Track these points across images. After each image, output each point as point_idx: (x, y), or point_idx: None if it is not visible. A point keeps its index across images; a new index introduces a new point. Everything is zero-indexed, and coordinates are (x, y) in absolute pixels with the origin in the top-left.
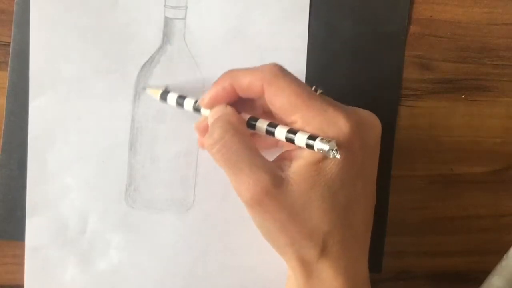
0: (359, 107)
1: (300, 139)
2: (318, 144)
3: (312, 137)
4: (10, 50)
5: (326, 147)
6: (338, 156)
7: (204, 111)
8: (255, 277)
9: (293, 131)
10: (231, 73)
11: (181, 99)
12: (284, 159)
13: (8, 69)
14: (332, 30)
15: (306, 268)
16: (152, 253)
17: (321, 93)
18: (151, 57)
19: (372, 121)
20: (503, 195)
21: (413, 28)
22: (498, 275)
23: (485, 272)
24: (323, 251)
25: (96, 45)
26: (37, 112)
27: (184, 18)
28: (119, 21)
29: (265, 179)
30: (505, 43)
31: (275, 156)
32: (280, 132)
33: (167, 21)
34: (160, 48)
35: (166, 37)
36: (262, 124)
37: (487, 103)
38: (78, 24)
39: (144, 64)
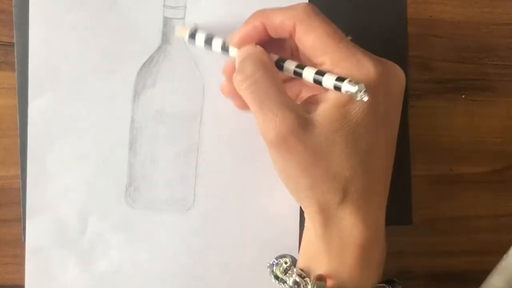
0: None
1: (328, 80)
2: (346, 86)
3: (341, 79)
4: (15, 54)
5: (354, 88)
6: (366, 98)
7: (232, 52)
8: (255, 277)
9: (321, 73)
10: (262, 12)
11: (209, 39)
12: (309, 103)
13: (16, 72)
14: None
15: (326, 215)
16: (152, 253)
17: (350, 39)
18: (150, 57)
19: (398, 72)
20: (503, 195)
21: (413, 28)
22: (498, 275)
23: (485, 272)
24: (344, 197)
25: (96, 45)
26: (37, 112)
27: (183, 18)
28: (118, 21)
29: (292, 118)
30: (505, 43)
31: None
32: (308, 73)
33: (166, 21)
34: (160, 48)
35: (165, 37)
36: (290, 65)
37: (487, 103)
38: (77, 24)
39: (144, 64)
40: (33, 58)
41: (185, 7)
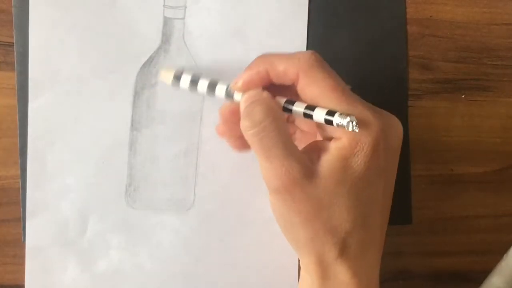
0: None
1: (319, 114)
2: (337, 119)
3: (331, 113)
4: (15, 54)
5: (344, 121)
6: (357, 129)
7: (237, 96)
8: (255, 277)
9: (311, 107)
10: (266, 58)
11: (211, 86)
12: (311, 151)
13: (16, 72)
14: (331, 29)
15: (323, 268)
16: (152, 253)
17: (350, 89)
18: (150, 57)
19: (396, 125)
20: (503, 195)
21: (413, 28)
22: (498, 275)
23: (485, 272)
24: (343, 250)
25: (95, 45)
26: (37, 112)
27: (183, 18)
28: (118, 21)
29: (297, 168)
30: (505, 43)
31: None
32: (298, 107)
33: (166, 21)
34: (159, 48)
35: (165, 37)
36: (299, 108)
37: (487, 103)
38: (77, 24)
39: (144, 64)
40: (32, 58)
41: (185, 7)
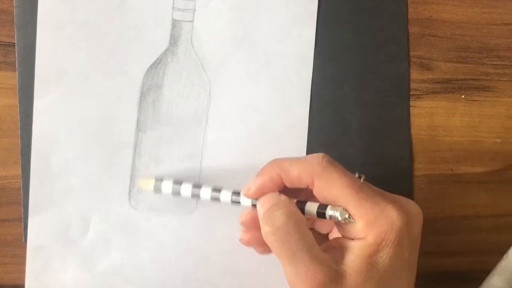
0: (367, 109)
1: (312, 208)
2: (329, 212)
3: (323, 207)
4: (16, 54)
5: (337, 214)
6: (352, 220)
7: (245, 201)
8: (256, 281)
9: (303, 202)
10: (278, 163)
11: (216, 192)
12: (334, 250)
13: (17, 72)
14: (332, 30)
15: None
16: (154, 255)
17: (364, 179)
18: (158, 58)
19: (416, 212)
20: (503, 195)
21: (413, 28)
22: (498, 275)
23: (485, 272)
24: None
25: (103, 45)
26: (42, 111)
27: (192, 21)
28: (127, 22)
29: (323, 272)
30: (505, 43)
31: None
32: (311, 208)
33: (175, 23)
34: (167, 50)
35: (173, 39)
36: (312, 208)
37: (487, 103)
38: (85, 24)
39: (151, 66)
40: (39, 57)
41: (194, 10)
